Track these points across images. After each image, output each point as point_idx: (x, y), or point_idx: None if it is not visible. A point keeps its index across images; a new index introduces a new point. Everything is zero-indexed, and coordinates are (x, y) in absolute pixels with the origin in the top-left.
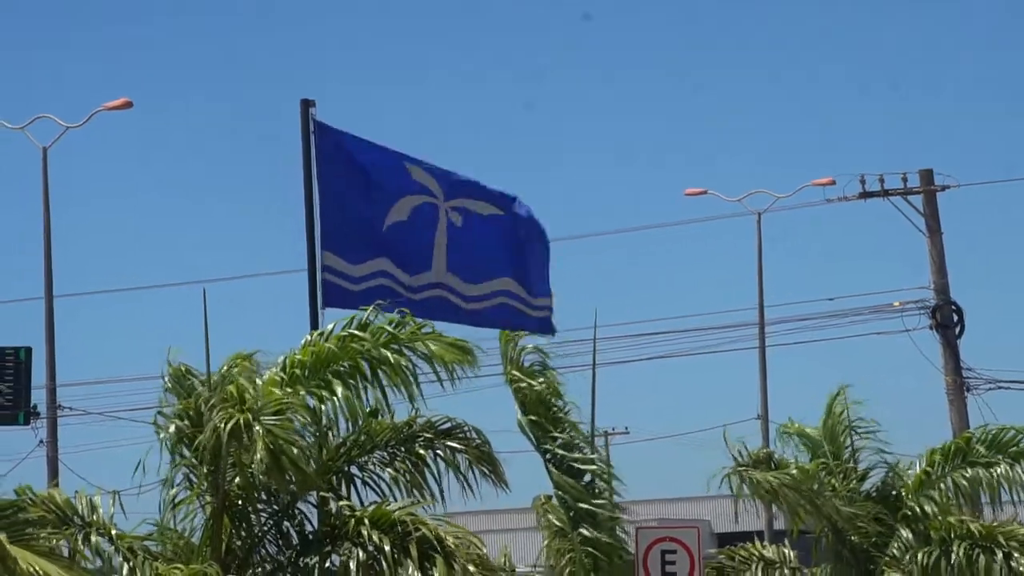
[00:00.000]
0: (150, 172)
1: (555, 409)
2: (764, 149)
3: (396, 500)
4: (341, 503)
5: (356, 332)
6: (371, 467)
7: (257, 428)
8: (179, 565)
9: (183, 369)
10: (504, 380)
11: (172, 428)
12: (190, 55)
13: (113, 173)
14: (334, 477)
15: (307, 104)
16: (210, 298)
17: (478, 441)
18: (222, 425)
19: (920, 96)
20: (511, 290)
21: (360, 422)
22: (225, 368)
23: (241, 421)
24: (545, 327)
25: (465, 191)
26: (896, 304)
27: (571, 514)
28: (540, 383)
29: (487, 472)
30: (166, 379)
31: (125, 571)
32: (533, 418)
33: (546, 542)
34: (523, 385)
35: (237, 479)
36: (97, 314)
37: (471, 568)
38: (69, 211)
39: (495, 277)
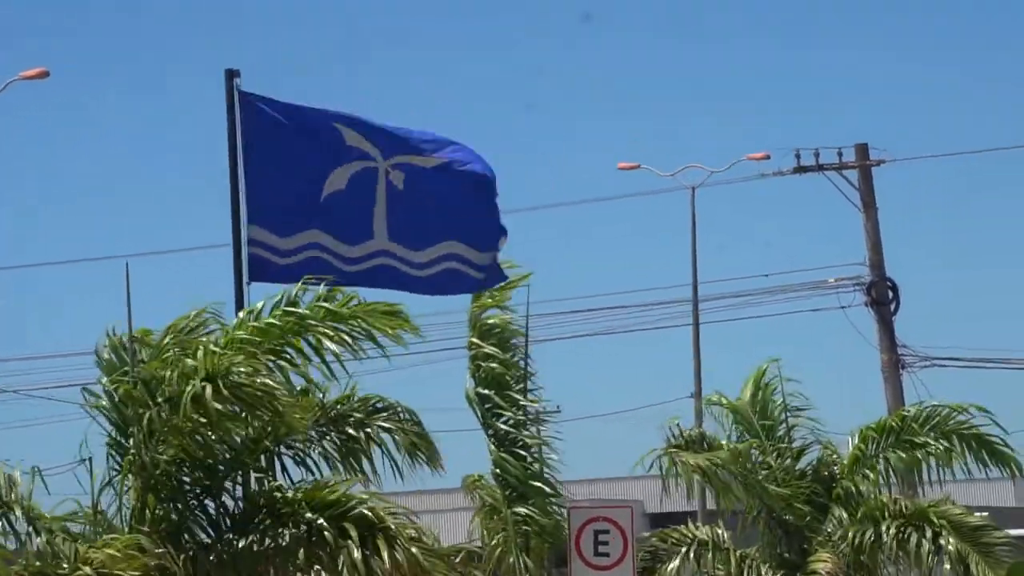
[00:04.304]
0: (68, 144)
1: (508, 384)
2: (699, 123)
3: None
4: (273, 483)
5: (291, 308)
6: (299, 447)
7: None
8: (113, 535)
9: (120, 341)
10: (467, 347)
11: (104, 402)
12: (110, 23)
13: (29, 144)
14: (262, 457)
15: (231, 74)
16: (132, 274)
17: (412, 422)
18: (187, 386)
19: (858, 68)
20: (458, 253)
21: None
22: (165, 339)
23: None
24: (491, 280)
25: (403, 147)
26: (832, 281)
27: (508, 493)
28: (502, 356)
29: (422, 454)
30: (105, 351)
31: (47, 551)
32: (484, 391)
33: (477, 519)
34: (483, 354)
35: (164, 456)
36: (11, 289)
37: (413, 550)
38: None
39: (441, 241)
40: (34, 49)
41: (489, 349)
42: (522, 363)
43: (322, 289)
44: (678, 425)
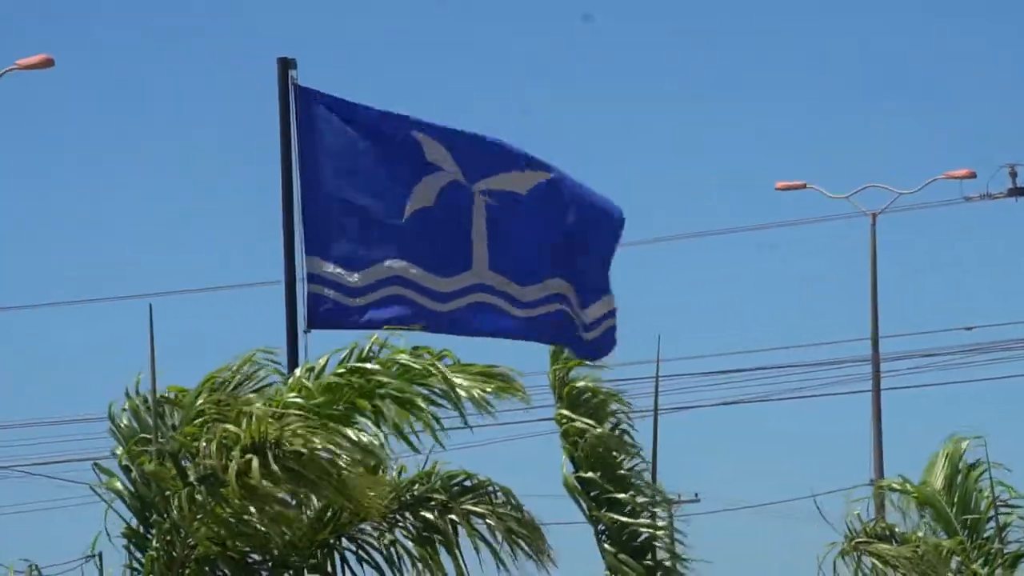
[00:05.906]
0: (77, 149)
1: (617, 464)
2: (882, 135)
3: None
4: None
5: (360, 365)
6: (366, 539)
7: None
8: None
9: (143, 401)
10: (555, 421)
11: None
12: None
13: (29, 146)
14: (318, 551)
15: (286, 64)
16: (158, 318)
17: (508, 504)
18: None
19: None
20: (565, 295)
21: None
22: (199, 398)
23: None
24: (600, 348)
25: (488, 165)
26: None
27: None
28: (601, 430)
29: (523, 545)
30: (123, 415)
31: None
32: (587, 475)
33: None
34: (577, 428)
35: (196, 550)
36: (7, 336)
37: None
38: None
39: (548, 278)
40: (31, 32)
41: (582, 422)
42: (629, 436)
43: (404, 346)
44: (858, 516)
